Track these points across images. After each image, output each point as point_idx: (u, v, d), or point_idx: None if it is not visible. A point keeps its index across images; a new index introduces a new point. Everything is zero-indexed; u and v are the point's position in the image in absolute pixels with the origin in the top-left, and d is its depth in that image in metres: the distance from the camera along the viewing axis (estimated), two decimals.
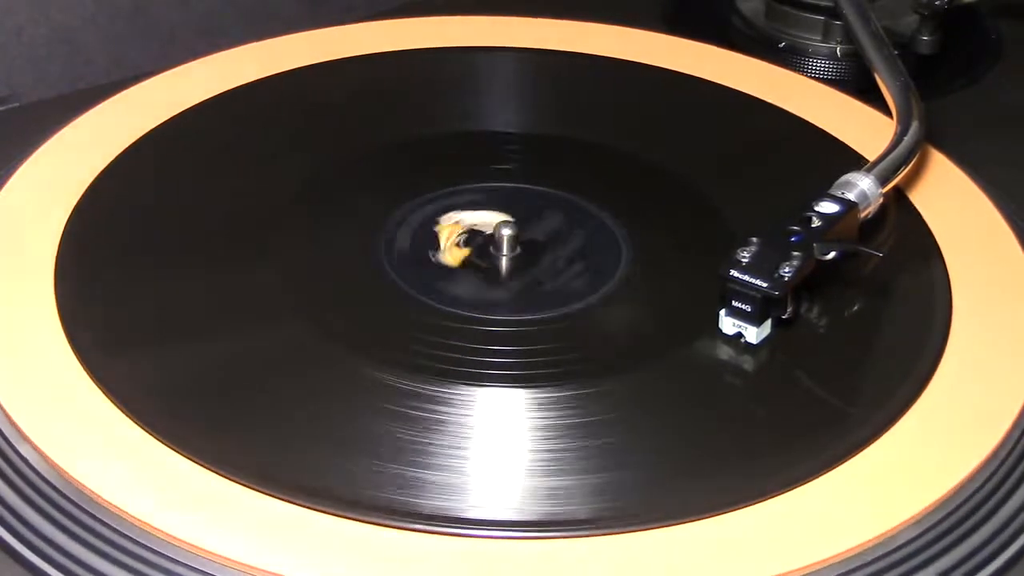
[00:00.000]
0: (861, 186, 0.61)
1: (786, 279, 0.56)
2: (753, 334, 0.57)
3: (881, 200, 0.62)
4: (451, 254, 0.62)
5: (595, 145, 0.72)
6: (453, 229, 0.63)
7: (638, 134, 0.73)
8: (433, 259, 0.62)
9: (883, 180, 0.62)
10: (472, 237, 0.64)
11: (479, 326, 0.59)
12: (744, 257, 0.57)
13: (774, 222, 0.58)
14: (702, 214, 0.67)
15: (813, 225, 0.58)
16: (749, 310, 0.56)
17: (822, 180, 0.62)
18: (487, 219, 0.64)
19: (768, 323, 0.57)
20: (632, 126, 0.74)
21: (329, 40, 0.79)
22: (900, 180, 0.64)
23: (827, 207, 0.59)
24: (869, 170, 0.62)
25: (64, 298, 0.58)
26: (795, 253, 0.57)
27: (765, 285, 0.56)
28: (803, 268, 0.56)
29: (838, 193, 0.60)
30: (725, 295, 0.57)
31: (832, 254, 0.57)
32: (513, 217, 0.64)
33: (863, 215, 0.61)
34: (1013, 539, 0.51)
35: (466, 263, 0.62)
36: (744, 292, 0.56)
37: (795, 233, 0.58)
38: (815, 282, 0.59)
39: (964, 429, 0.54)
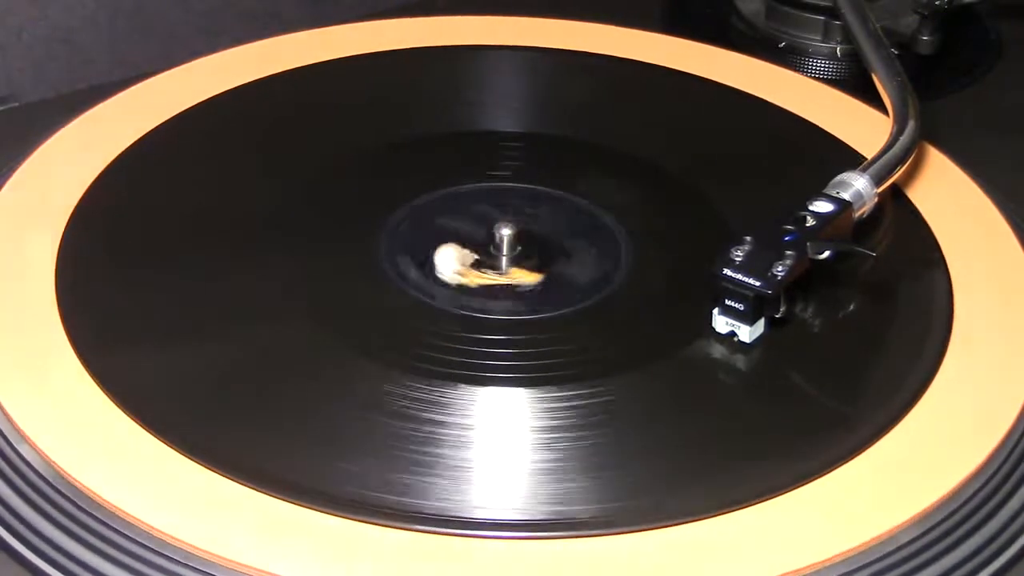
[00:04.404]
0: (856, 186, 0.61)
1: (779, 278, 0.56)
2: (746, 333, 0.57)
3: (876, 200, 0.62)
4: (517, 274, 0.62)
5: (595, 145, 0.72)
6: (470, 272, 0.62)
7: (638, 134, 0.73)
8: (516, 289, 0.61)
9: (878, 180, 0.62)
10: (482, 263, 0.63)
11: (479, 326, 0.59)
12: (737, 256, 0.57)
13: (769, 221, 0.58)
14: (702, 214, 0.67)
15: (807, 224, 0.58)
16: (742, 309, 0.57)
17: (822, 180, 0.62)
18: (459, 254, 0.63)
19: (761, 322, 0.57)
20: (632, 126, 0.74)
21: (329, 40, 0.79)
22: (897, 179, 0.64)
23: (821, 206, 0.59)
24: (864, 170, 0.62)
25: (64, 298, 0.58)
26: (789, 252, 0.57)
27: (758, 284, 0.56)
28: (796, 267, 0.56)
29: (833, 192, 0.60)
30: (718, 294, 0.57)
31: (826, 253, 0.57)
32: (510, 218, 0.64)
33: (858, 215, 0.61)
34: (1014, 540, 0.51)
35: (522, 269, 0.62)
36: (737, 291, 0.56)
37: (789, 232, 0.58)
38: (816, 282, 0.59)
39: (964, 429, 0.54)
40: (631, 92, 0.77)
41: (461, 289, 0.61)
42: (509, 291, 0.61)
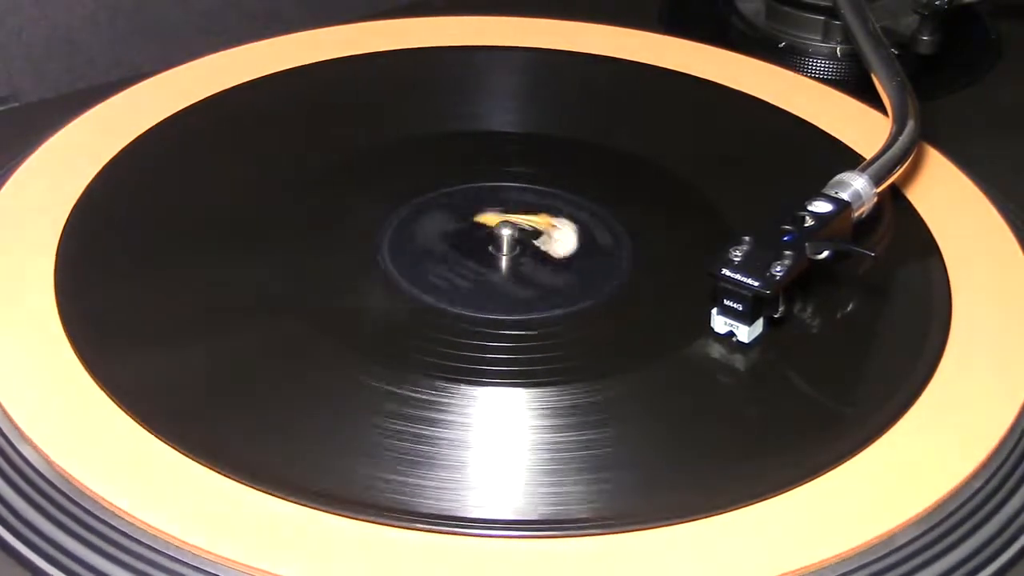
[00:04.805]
0: (855, 186, 0.61)
1: (778, 278, 0.56)
2: (745, 333, 0.57)
3: (875, 200, 0.62)
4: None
5: (595, 145, 0.72)
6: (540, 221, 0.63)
7: (638, 134, 0.73)
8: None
9: (877, 180, 0.62)
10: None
11: (479, 326, 0.59)
12: (736, 256, 0.57)
13: (768, 221, 0.58)
14: (702, 214, 0.67)
15: (806, 224, 0.58)
16: (741, 309, 0.57)
17: (821, 180, 0.62)
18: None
19: (760, 322, 0.57)
20: (632, 126, 0.74)
21: (329, 40, 0.79)
22: (896, 179, 0.64)
23: (820, 206, 0.59)
24: (863, 170, 0.62)
25: (64, 297, 0.58)
26: (787, 252, 0.57)
27: (756, 284, 0.56)
28: (795, 267, 0.56)
29: (832, 192, 0.60)
30: (717, 294, 0.57)
31: (824, 253, 0.57)
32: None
33: (857, 215, 0.61)
34: (1014, 540, 0.51)
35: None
36: (736, 291, 0.56)
37: (788, 232, 0.58)
38: (815, 282, 0.59)
39: (964, 429, 0.54)
40: (631, 92, 0.77)
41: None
42: (491, 286, 0.62)
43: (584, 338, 0.59)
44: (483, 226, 0.64)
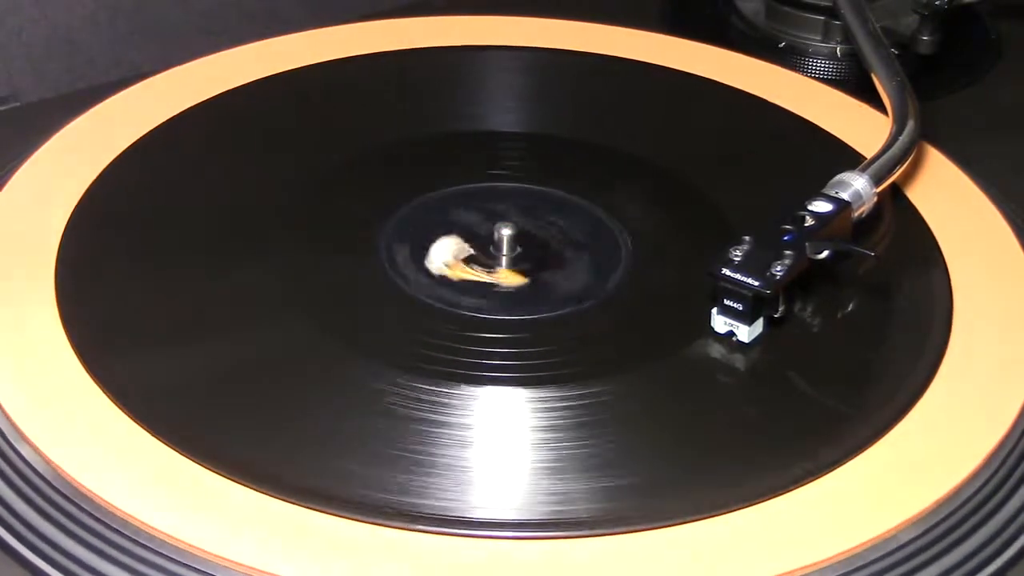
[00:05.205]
0: (855, 185, 0.61)
1: (778, 278, 0.56)
2: (745, 332, 0.57)
3: (875, 200, 0.62)
4: (504, 275, 0.62)
5: (595, 145, 0.72)
6: (458, 266, 0.62)
7: (638, 134, 0.73)
8: (497, 288, 0.61)
9: (877, 179, 0.62)
10: (477, 260, 0.63)
11: (479, 326, 0.59)
12: (736, 256, 0.57)
13: (768, 221, 0.58)
14: (702, 214, 0.67)
15: (806, 224, 0.58)
16: (741, 308, 0.57)
17: (822, 180, 0.62)
18: (457, 247, 0.63)
19: (760, 322, 0.57)
20: (632, 126, 0.74)
21: (329, 40, 0.79)
22: (896, 179, 0.64)
23: (820, 206, 0.59)
24: (863, 169, 0.62)
25: (64, 298, 0.58)
26: (787, 252, 0.57)
27: (756, 284, 0.56)
28: (795, 267, 0.56)
29: (832, 192, 0.61)
30: (717, 293, 0.57)
31: (824, 253, 0.57)
32: (509, 218, 0.64)
33: (856, 214, 0.61)
34: (1014, 539, 0.51)
35: (511, 271, 0.62)
36: (736, 291, 0.56)
37: (788, 232, 0.58)
38: (815, 281, 0.59)
39: (964, 429, 0.54)
40: (631, 92, 0.77)
41: (440, 281, 0.61)
42: (487, 289, 0.61)
43: (584, 338, 0.59)
44: (486, 228, 0.64)
